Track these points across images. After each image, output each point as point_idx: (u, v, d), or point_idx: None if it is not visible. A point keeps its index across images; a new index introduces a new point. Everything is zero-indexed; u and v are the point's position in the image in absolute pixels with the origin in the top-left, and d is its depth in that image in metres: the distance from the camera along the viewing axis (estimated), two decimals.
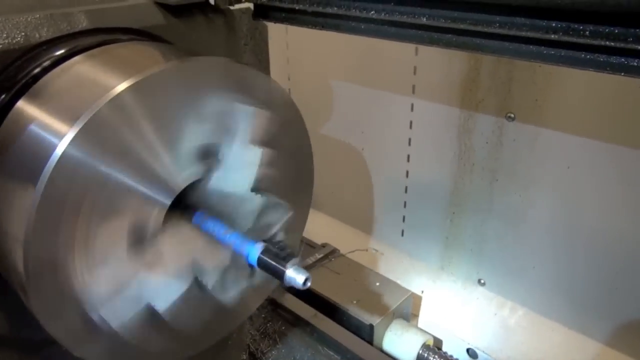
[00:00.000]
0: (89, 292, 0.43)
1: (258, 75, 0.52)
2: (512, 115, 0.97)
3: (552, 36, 0.40)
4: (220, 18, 0.64)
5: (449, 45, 0.47)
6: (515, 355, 1.06)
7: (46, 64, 0.48)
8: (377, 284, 1.08)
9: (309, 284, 0.42)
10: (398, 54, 1.10)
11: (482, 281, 1.15)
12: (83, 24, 0.52)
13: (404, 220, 1.26)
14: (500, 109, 0.99)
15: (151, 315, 0.48)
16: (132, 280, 0.45)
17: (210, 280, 0.47)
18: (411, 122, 1.15)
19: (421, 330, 1.02)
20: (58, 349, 0.46)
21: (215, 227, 0.48)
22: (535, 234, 1.02)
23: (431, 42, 0.48)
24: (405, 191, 1.23)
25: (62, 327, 0.45)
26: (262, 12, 0.68)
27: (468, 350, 1.09)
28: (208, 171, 0.47)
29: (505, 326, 1.10)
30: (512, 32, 0.42)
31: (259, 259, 0.44)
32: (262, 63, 0.76)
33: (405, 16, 0.49)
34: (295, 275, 0.42)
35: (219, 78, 0.48)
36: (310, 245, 1.21)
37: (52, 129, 0.42)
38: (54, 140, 0.40)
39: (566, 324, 1.04)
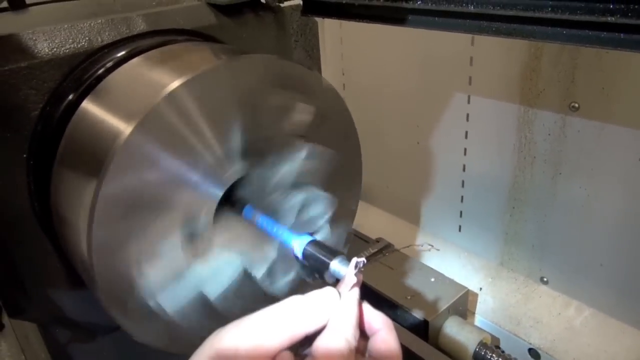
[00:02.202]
0: (146, 280, 0.46)
1: (305, 72, 0.53)
2: (577, 105, 0.92)
3: (610, 19, 0.38)
4: (270, 16, 0.65)
5: (498, 34, 0.45)
6: (581, 357, 1.01)
7: (108, 65, 0.51)
8: (432, 279, 1.06)
9: None
10: (454, 45, 1.08)
11: (545, 279, 1.11)
12: (141, 27, 0.55)
13: (461, 215, 1.23)
14: (563, 98, 0.94)
15: (204, 303, 0.50)
16: (186, 269, 0.48)
17: (258, 272, 0.49)
18: (468, 115, 1.12)
19: (478, 327, 1.00)
20: (124, 333, 0.50)
21: (264, 221, 0.49)
22: (603, 229, 0.96)
23: (480, 31, 0.47)
24: (462, 185, 1.20)
25: (124, 314, 0.48)
26: (312, 8, 0.68)
27: (530, 350, 1.05)
28: (253, 167, 0.49)
29: (570, 327, 1.05)
30: (566, 17, 0.40)
31: (305, 251, 0.45)
32: (313, 59, 0.77)
33: (452, 5, 0.48)
34: (340, 268, 0.42)
35: (268, 75, 0.49)
36: (364, 240, 1.21)
37: (114, 125, 0.45)
38: (115, 135, 0.43)
39: (638, 326, 0.98)
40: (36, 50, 0.48)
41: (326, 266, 0.43)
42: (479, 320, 1.14)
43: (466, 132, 1.14)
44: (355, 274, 0.40)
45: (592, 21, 0.39)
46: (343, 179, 0.57)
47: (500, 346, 1.09)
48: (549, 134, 0.98)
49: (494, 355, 0.93)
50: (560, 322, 1.06)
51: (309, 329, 0.38)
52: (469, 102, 1.10)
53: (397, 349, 0.40)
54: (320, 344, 0.37)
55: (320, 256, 0.44)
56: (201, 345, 0.38)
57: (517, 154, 1.05)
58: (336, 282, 0.43)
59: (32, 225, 0.51)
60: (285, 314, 0.38)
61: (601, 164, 0.93)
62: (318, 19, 0.74)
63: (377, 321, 0.41)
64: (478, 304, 1.15)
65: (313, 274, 0.47)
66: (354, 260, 0.40)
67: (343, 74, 1.40)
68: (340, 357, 0.36)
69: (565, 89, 0.93)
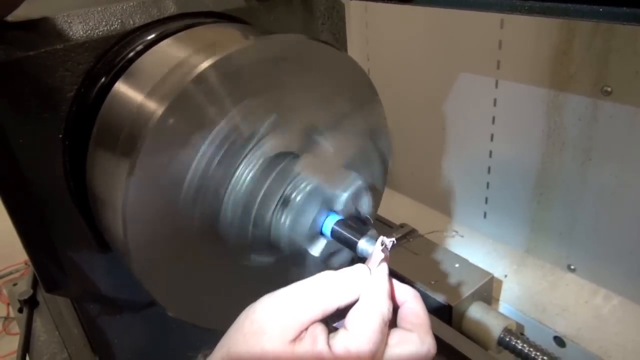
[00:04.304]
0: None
1: (335, 52, 0.53)
2: (609, 89, 0.90)
3: None
4: None
5: (531, 12, 0.44)
6: (609, 346, 1.00)
7: (139, 48, 0.52)
8: (457, 265, 1.06)
9: None
10: (482, 28, 1.06)
11: (572, 267, 1.09)
12: (171, 9, 0.56)
13: (486, 202, 1.22)
14: (595, 82, 0.91)
15: None
16: None
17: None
18: (495, 100, 1.10)
19: (502, 314, 0.99)
20: (156, 309, 0.51)
21: None
22: (633, 217, 0.94)
23: (512, 10, 0.46)
24: (489, 172, 1.18)
25: (158, 288, 0.49)
26: None
27: (555, 338, 1.04)
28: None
29: (597, 315, 1.03)
30: None
31: (333, 230, 0.45)
32: (340, 42, 0.77)
33: None
34: (367, 247, 0.43)
35: (296, 55, 0.49)
36: (388, 225, 1.21)
37: (146, 106, 0.46)
38: (147, 116, 0.44)
39: None
40: (71, 33, 0.49)
41: (353, 246, 0.43)
42: (503, 307, 1.13)
43: (493, 118, 1.12)
44: (382, 251, 0.41)
45: None
46: (370, 157, 0.57)
47: (525, 333, 1.08)
48: (580, 119, 0.96)
49: (518, 341, 0.92)
50: (587, 311, 1.04)
51: (341, 302, 0.39)
52: (496, 86, 1.08)
53: (426, 318, 0.40)
54: (354, 316, 0.38)
55: (348, 235, 0.44)
56: (238, 317, 0.40)
57: (546, 139, 1.03)
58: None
59: (68, 203, 0.53)
60: (318, 287, 0.39)
61: (633, 150, 0.90)
62: (344, 2, 0.73)
63: (404, 293, 0.42)
64: (503, 291, 1.14)
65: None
66: (381, 238, 0.41)
67: (368, 59, 1.39)
68: (374, 328, 0.37)
69: (598, 72, 0.90)
